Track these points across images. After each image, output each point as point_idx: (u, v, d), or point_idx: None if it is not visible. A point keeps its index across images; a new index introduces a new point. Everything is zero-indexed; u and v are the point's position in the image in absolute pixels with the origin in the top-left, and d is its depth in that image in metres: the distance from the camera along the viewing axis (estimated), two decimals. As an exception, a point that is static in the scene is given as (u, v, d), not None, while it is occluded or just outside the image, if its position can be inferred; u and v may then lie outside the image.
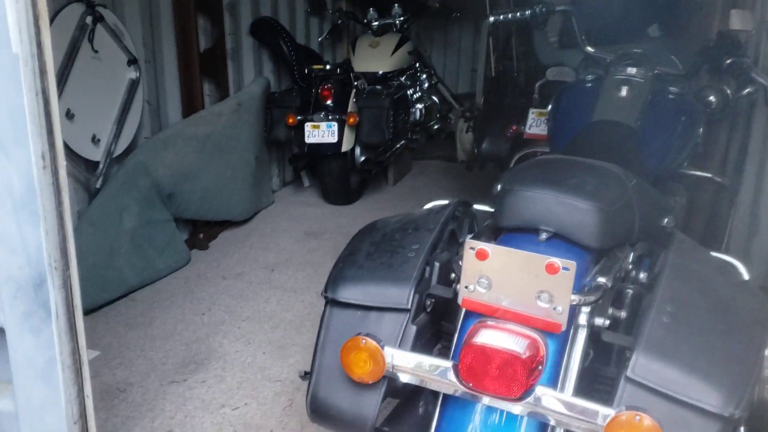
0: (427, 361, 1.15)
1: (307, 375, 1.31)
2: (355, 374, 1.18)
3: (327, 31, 4.93)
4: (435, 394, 1.22)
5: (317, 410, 1.28)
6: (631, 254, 1.39)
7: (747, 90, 1.75)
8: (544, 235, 1.24)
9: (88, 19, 2.81)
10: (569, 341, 1.15)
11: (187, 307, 2.92)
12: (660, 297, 1.13)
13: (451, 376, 1.12)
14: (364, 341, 1.16)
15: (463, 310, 1.19)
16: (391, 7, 4.76)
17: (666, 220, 1.48)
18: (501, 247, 1.08)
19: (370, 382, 1.19)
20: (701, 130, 1.87)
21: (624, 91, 1.85)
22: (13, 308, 1.10)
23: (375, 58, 4.52)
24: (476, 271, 1.08)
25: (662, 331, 1.07)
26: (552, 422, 1.07)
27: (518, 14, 2.15)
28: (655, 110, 1.83)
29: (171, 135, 3.34)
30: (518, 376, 1.03)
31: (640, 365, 1.02)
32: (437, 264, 1.33)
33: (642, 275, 1.44)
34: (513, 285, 1.06)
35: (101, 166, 2.98)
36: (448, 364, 1.13)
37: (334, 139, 3.90)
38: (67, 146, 2.79)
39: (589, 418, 1.02)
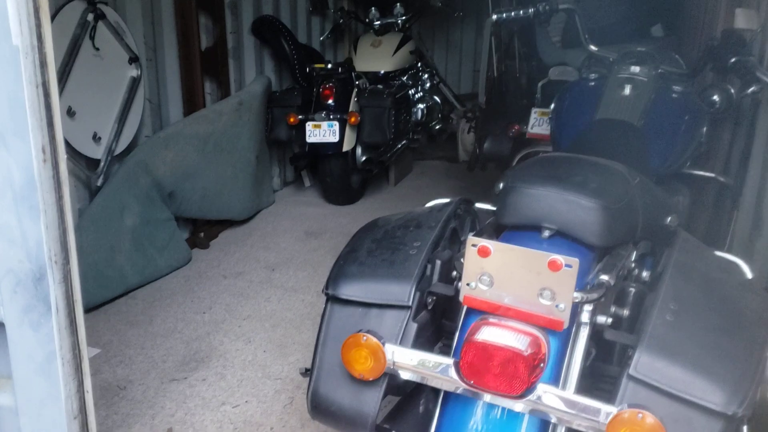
0: (428, 358, 1.15)
1: (307, 372, 1.31)
2: (356, 371, 1.18)
3: (329, 31, 4.93)
4: (436, 391, 1.21)
5: (318, 407, 1.27)
6: (634, 252, 1.39)
7: (752, 89, 1.74)
8: (546, 233, 1.23)
9: (90, 17, 2.81)
10: (571, 339, 1.15)
11: (187, 305, 2.92)
12: (663, 295, 1.13)
13: (452, 373, 1.11)
14: (365, 338, 1.16)
15: (465, 308, 1.19)
16: (393, 6, 4.75)
17: (669, 218, 1.47)
18: (503, 244, 1.07)
19: (371, 379, 1.18)
20: (705, 129, 1.86)
21: (627, 90, 1.84)
22: (12, 302, 1.10)
23: (377, 58, 4.51)
24: (478, 268, 1.08)
25: (665, 329, 1.06)
26: (554, 420, 1.07)
27: (521, 13, 2.14)
28: (659, 109, 1.82)
29: (172, 133, 3.34)
30: (520, 373, 1.02)
31: (643, 363, 1.02)
32: (439, 261, 1.32)
33: (645, 273, 1.44)
34: (515, 282, 1.05)
35: (102, 164, 2.98)
36: (449, 361, 1.12)
37: (335, 139, 3.90)
38: (68, 144, 2.79)
39: (591, 415, 1.02)
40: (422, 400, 1.35)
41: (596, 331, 1.18)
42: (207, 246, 3.56)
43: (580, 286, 1.16)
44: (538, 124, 2.88)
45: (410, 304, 1.23)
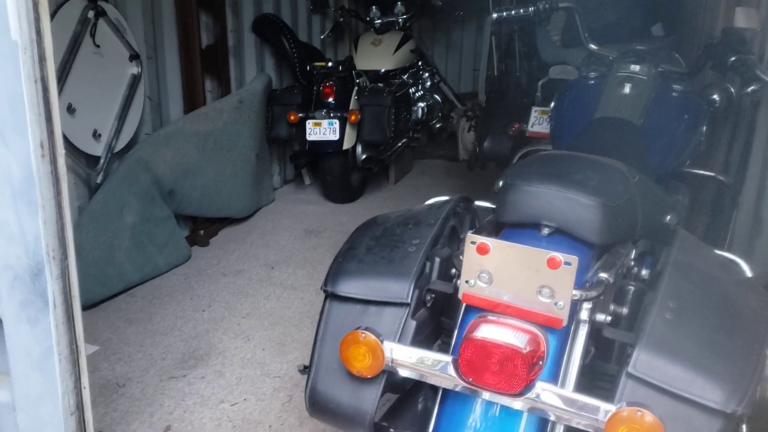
0: (427, 355, 1.14)
1: (306, 369, 1.30)
2: (355, 368, 1.17)
3: (329, 29, 4.93)
4: (434, 389, 1.21)
5: (316, 404, 1.27)
6: (634, 251, 1.38)
7: (752, 87, 1.74)
8: (545, 230, 1.23)
9: (90, 14, 2.81)
10: (570, 337, 1.14)
11: (187, 303, 2.92)
12: (662, 293, 1.12)
13: (451, 370, 1.10)
14: (363, 335, 1.15)
15: (464, 305, 1.18)
16: (394, 5, 4.75)
17: (669, 217, 1.47)
18: (502, 241, 1.07)
19: (370, 377, 1.18)
20: (704, 128, 1.86)
21: (627, 89, 1.84)
22: (10, 298, 1.09)
23: (377, 56, 4.51)
24: (477, 266, 1.07)
25: (664, 327, 1.06)
26: (552, 418, 1.06)
27: (521, 11, 2.14)
28: (659, 108, 1.82)
29: (172, 131, 3.34)
30: (519, 371, 1.02)
31: (642, 361, 1.01)
32: (438, 259, 1.31)
33: (644, 272, 1.43)
34: (514, 280, 1.05)
35: (102, 161, 2.98)
36: (447, 358, 1.12)
37: (335, 137, 3.89)
38: (68, 141, 2.79)
39: (590, 413, 1.01)
40: (421, 397, 1.35)
41: (595, 329, 1.18)
42: (207, 244, 3.56)
43: (579, 284, 1.16)
44: (538, 122, 2.88)
45: (409, 301, 1.22)
